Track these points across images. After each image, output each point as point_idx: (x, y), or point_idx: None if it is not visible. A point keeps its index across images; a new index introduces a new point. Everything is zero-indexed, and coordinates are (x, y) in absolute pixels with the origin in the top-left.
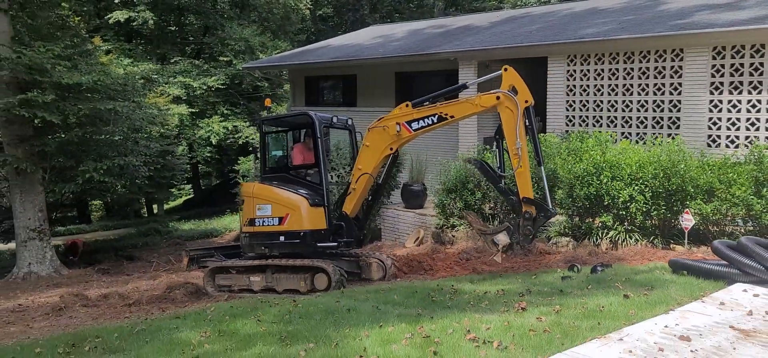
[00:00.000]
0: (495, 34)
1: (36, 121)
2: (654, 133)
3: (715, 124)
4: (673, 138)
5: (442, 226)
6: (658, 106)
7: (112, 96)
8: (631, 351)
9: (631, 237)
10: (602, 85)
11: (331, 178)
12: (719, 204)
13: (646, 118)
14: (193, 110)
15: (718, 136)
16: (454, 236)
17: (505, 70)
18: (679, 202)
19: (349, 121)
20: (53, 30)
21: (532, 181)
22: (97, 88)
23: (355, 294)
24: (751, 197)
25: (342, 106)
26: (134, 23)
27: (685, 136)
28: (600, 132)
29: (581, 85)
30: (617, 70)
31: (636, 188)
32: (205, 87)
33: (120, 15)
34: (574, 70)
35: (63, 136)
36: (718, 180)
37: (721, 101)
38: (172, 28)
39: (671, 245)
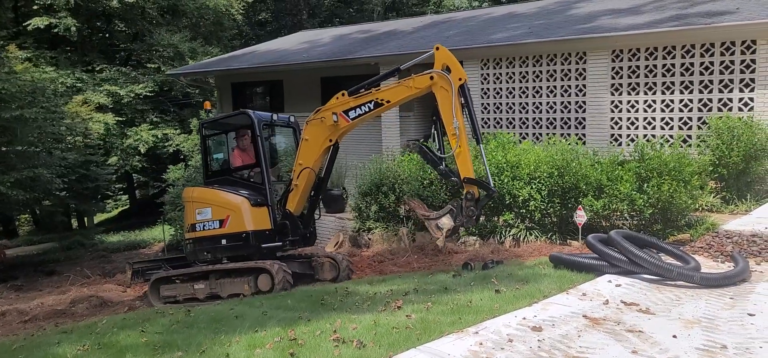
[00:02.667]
0: (416, 38)
1: None
2: (563, 134)
3: (616, 123)
4: (566, 138)
5: (359, 229)
6: (566, 107)
7: (21, 105)
8: (481, 343)
9: (531, 234)
10: (513, 88)
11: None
12: (608, 200)
13: (554, 119)
14: (121, 119)
15: (620, 135)
16: (370, 239)
17: (437, 49)
18: (574, 199)
19: (291, 119)
20: None
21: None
22: (2, 97)
23: (253, 300)
24: (634, 192)
25: (269, 111)
26: (56, 30)
27: (590, 136)
28: (505, 133)
29: (494, 88)
30: (527, 73)
31: (534, 186)
32: (132, 95)
33: (40, 21)
34: (488, 74)
35: None
36: (606, 177)
37: (621, 102)
38: (100, 35)
39: (568, 241)
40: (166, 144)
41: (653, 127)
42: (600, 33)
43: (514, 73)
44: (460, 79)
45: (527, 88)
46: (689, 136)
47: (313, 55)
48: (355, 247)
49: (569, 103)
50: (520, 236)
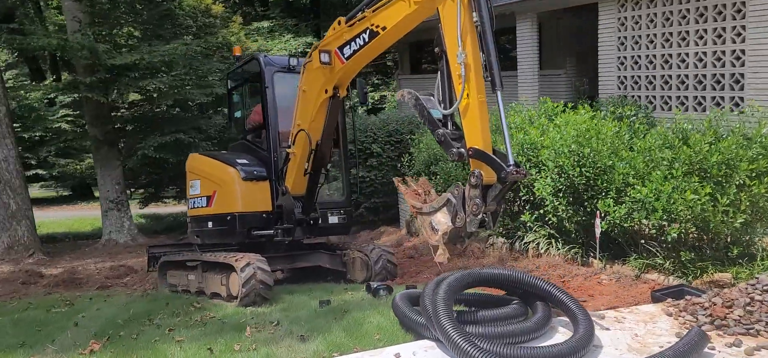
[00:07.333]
0: None
1: (108, 100)
2: (714, 97)
3: None
4: (721, 102)
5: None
6: (719, 59)
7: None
8: None
9: (552, 243)
10: (655, 35)
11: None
12: (631, 205)
13: (704, 76)
14: None
15: None
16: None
17: None
18: (593, 199)
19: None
20: (119, 13)
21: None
22: (152, 66)
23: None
24: (651, 197)
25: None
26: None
27: (749, 100)
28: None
29: (633, 37)
30: (671, 13)
31: (552, 179)
32: None
33: None
34: (625, 18)
35: (127, 113)
36: (631, 171)
37: None
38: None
39: (590, 259)
40: (382, 105)
41: None
42: None
43: (656, 15)
44: None
45: (671, 34)
46: None
47: None
48: (409, 234)
49: (723, 53)
50: (539, 243)
